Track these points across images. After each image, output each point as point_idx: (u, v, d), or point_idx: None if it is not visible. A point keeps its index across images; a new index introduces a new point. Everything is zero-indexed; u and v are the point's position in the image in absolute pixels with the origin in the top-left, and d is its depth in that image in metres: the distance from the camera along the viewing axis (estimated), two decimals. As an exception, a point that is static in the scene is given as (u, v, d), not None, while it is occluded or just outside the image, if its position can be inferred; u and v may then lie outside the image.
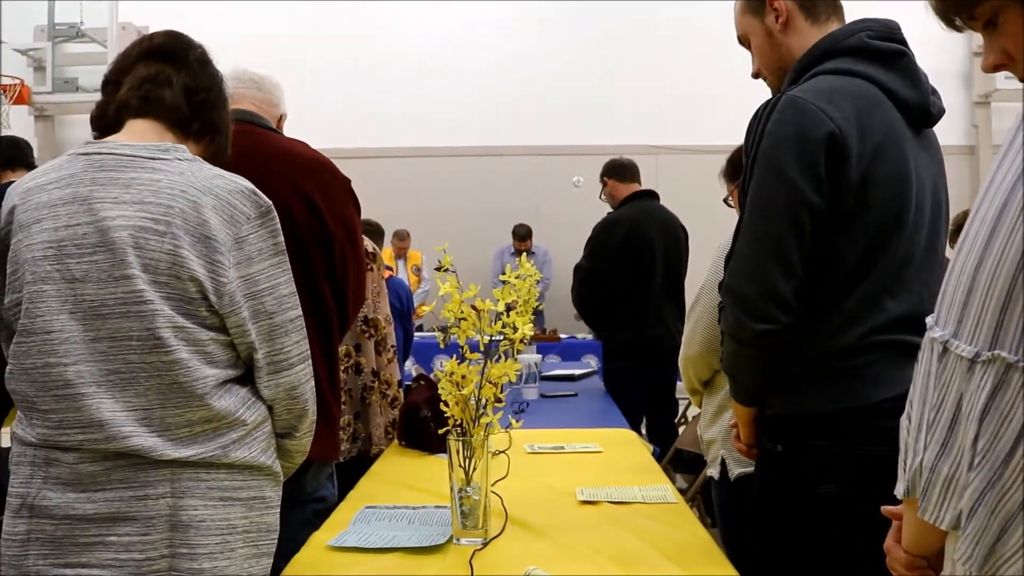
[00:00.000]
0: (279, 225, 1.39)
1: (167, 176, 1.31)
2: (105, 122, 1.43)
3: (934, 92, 1.58)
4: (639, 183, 4.26)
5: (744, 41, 1.69)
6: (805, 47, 1.57)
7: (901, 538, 0.97)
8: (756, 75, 1.70)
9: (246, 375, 1.39)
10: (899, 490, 0.88)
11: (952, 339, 0.80)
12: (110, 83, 1.45)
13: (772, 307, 1.46)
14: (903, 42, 1.55)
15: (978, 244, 0.79)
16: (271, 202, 1.38)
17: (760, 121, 1.51)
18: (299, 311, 1.42)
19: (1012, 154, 0.79)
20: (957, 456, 0.79)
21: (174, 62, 1.43)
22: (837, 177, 1.44)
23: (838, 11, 1.62)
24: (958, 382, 0.79)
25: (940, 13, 0.95)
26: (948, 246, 1.60)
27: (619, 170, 4.26)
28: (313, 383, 1.46)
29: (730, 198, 2.40)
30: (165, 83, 1.41)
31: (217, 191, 1.32)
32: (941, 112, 1.58)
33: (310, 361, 1.44)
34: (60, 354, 1.28)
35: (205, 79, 1.46)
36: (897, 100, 1.51)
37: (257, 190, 1.37)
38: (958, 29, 0.96)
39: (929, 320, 0.85)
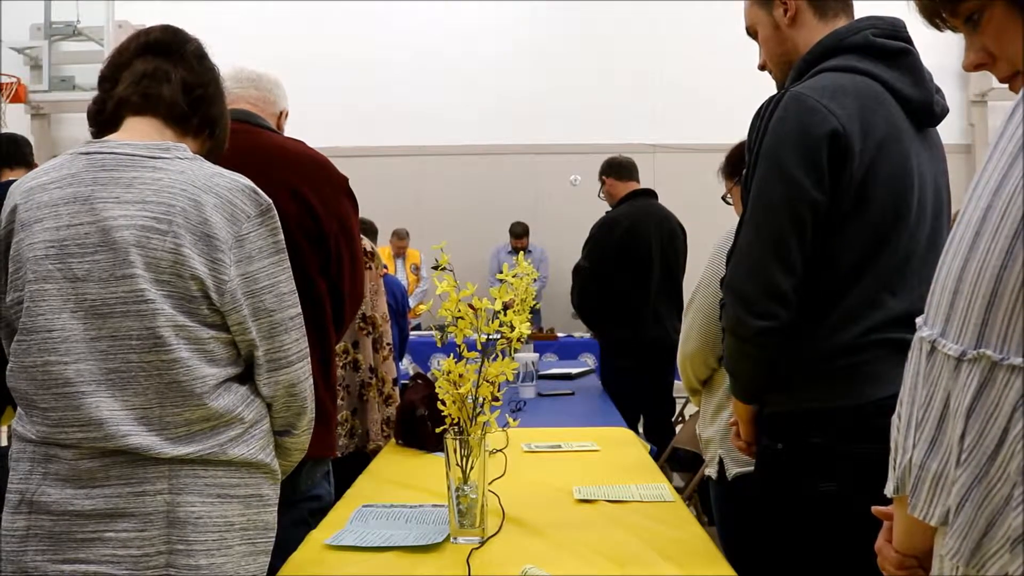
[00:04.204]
0: (279, 223, 1.40)
1: (168, 175, 1.32)
2: (103, 118, 1.43)
3: (938, 91, 1.58)
4: (637, 182, 4.27)
5: (752, 32, 1.69)
6: (812, 42, 1.57)
7: (892, 538, 0.97)
8: (762, 67, 1.70)
9: (245, 373, 1.40)
10: (889, 488, 0.89)
11: (940, 338, 0.80)
12: (107, 79, 1.44)
13: (772, 304, 1.46)
14: (908, 40, 1.55)
15: (964, 245, 0.80)
16: (271, 200, 1.38)
17: (763, 118, 1.51)
18: (298, 309, 1.42)
19: (997, 155, 0.80)
20: (945, 453, 0.80)
21: (171, 57, 1.43)
22: (839, 175, 1.44)
23: (848, 8, 1.61)
24: (945, 380, 0.79)
25: (924, 11, 0.95)
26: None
27: (617, 169, 4.27)
28: (312, 381, 1.46)
29: (728, 195, 2.40)
30: (164, 79, 1.41)
31: (218, 189, 1.33)
32: (944, 111, 1.58)
33: (309, 359, 1.45)
34: (60, 352, 1.28)
35: (203, 74, 1.46)
36: (900, 98, 1.51)
37: (257, 188, 1.37)
38: (938, 28, 0.96)
39: (919, 320, 0.86)
